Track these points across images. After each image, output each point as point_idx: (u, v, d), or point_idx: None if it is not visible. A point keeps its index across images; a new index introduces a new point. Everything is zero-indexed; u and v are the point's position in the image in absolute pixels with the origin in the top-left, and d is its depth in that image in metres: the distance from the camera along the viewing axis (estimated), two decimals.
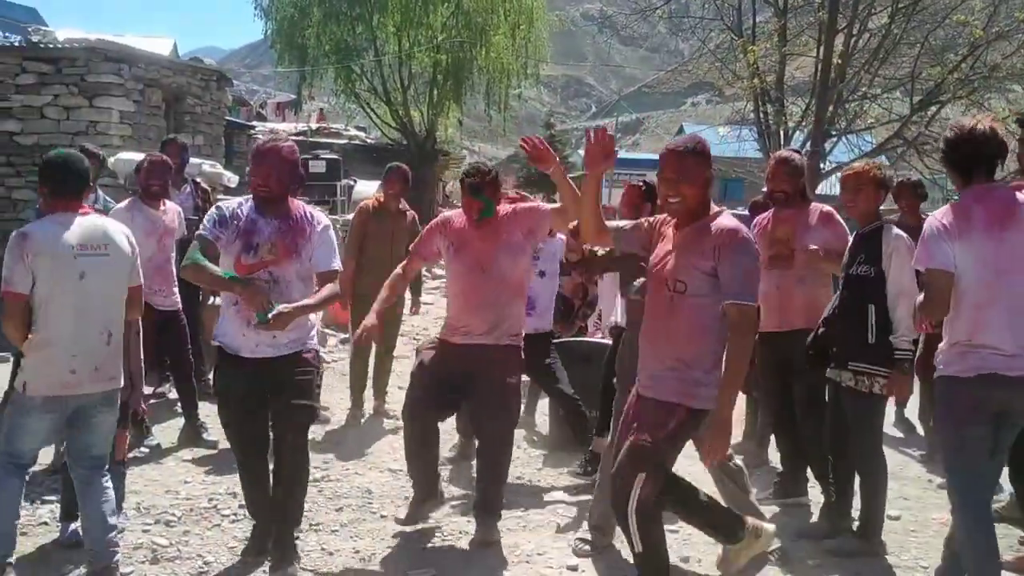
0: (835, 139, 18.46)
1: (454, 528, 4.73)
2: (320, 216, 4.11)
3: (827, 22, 13.83)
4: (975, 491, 3.53)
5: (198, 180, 7.50)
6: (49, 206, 3.83)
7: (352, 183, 19.12)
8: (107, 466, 3.88)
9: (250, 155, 4.05)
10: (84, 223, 3.73)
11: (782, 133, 18.69)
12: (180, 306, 6.13)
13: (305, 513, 4.73)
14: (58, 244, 3.61)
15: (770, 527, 3.98)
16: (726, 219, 3.55)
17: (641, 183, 5.31)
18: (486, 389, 4.46)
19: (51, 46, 11.13)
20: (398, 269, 4.77)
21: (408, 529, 4.67)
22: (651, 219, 3.89)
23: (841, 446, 4.50)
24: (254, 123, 27.37)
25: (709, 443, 3.50)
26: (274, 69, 32.60)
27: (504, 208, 4.60)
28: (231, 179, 9.92)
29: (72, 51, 10.81)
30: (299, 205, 4.09)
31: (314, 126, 29.31)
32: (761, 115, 18.74)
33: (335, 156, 21.00)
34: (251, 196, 4.05)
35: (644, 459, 3.47)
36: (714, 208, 3.60)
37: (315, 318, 4.29)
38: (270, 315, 3.70)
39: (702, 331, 3.48)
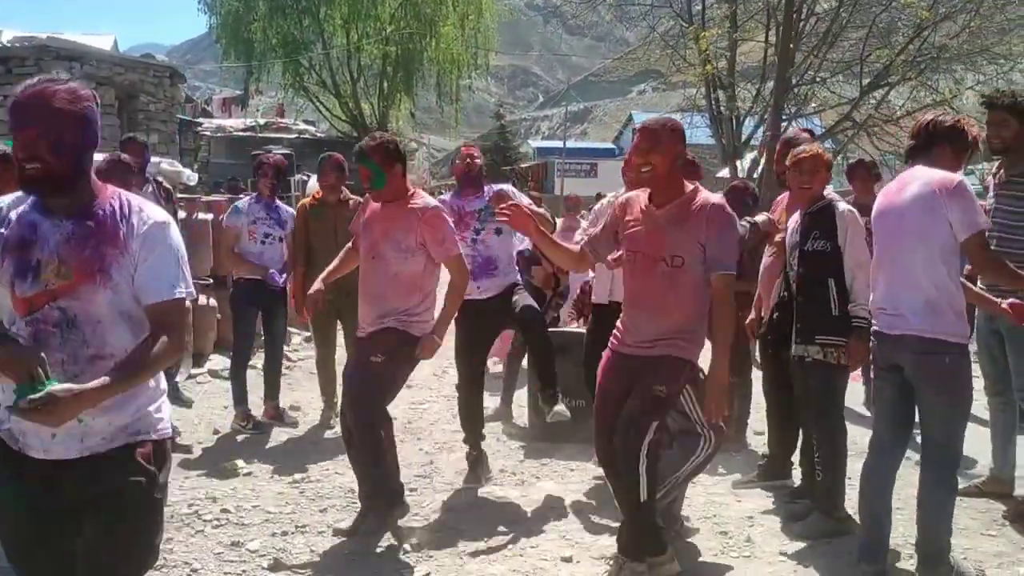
0: (786, 123, 18.66)
1: (443, 523, 4.68)
2: (149, 210, 2.40)
3: (785, 5, 13.95)
4: (878, 434, 4.01)
5: (160, 179, 7.32)
6: None
7: (305, 178, 18.83)
8: None
9: (8, 112, 2.36)
10: None
11: (734, 118, 18.90)
12: None
13: (290, 515, 4.68)
14: None
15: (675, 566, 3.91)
16: (710, 195, 3.80)
17: None
18: (347, 372, 4.55)
19: None
20: (348, 244, 4.72)
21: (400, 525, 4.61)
22: (611, 207, 4.10)
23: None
24: (200, 119, 26.91)
25: (711, 405, 3.73)
26: (219, 64, 32.10)
27: (417, 200, 4.43)
28: (191, 177, 9.71)
29: (22, 50, 10.51)
30: (112, 193, 2.41)
31: (262, 121, 28.90)
32: (713, 101, 18.91)
33: (286, 151, 20.70)
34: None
35: (659, 408, 3.70)
36: (688, 185, 3.79)
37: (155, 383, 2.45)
38: (38, 395, 2.06)
39: (699, 299, 3.75)
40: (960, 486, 4.85)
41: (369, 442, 4.33)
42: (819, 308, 4.30)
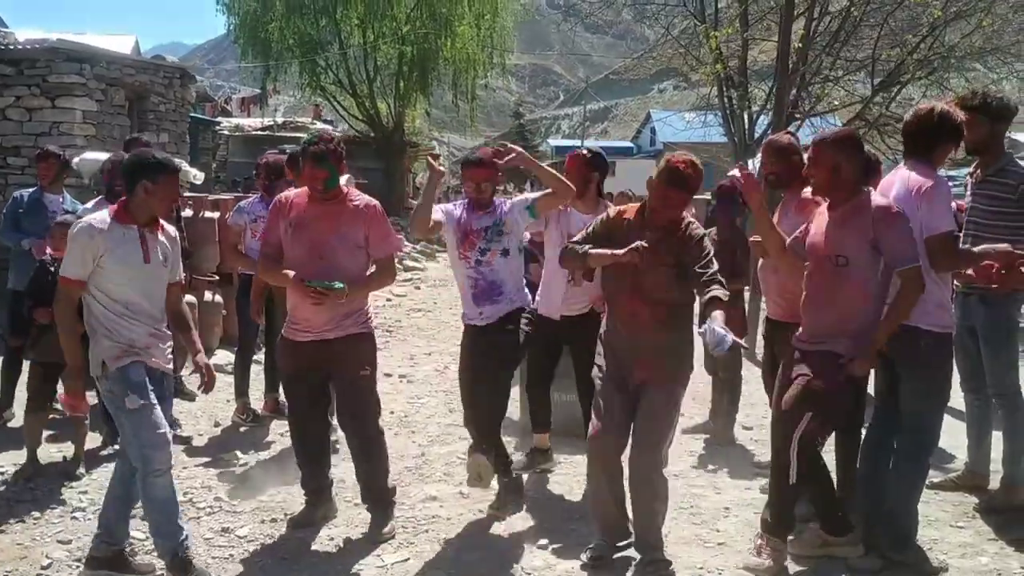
0: (799, 122, 18.61)
1: (427, 513, 4.81)
2: None
3: (785, 5, 13.96)
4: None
5: None
6: None
7: None
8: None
9: None
10: None
11: (746, 117, 18.88)
12: None
13: (280, 503, 4.83)
14: None
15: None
16: (879, 197, 3.92)
17: (586, 151, 5.35)
18: (341, 387, 4.47)
19: (12, 48, 11.03)
20: (263, 257, 4.56)
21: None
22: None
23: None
24: (219, 119, 27.19)
25: (858, 363, 3.83)
26: (238, 64, 32.38)
27: (355, 197, 4.41)
28: (197, 176, 9.88)
29: (33, 52, 10.70)
30: None
31: (280, 120, 29.16)
32: (725, 100, 18.91)
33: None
34: None
35: (815, 400, 3.83)
36: (862, 189, 3.93)
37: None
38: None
39: (863, 298, 3.85)
40: (936, 480, 5.01)
41: (376, 450, 4.53)
42: None
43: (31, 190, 6.88)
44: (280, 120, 29.10)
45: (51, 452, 5.63)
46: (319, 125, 29.05)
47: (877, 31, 16.55)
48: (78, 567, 4.05)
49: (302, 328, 4.36)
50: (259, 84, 29.85)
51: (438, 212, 4.65)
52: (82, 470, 5.29)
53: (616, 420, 4.01)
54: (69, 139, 10.31)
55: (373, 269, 4.49)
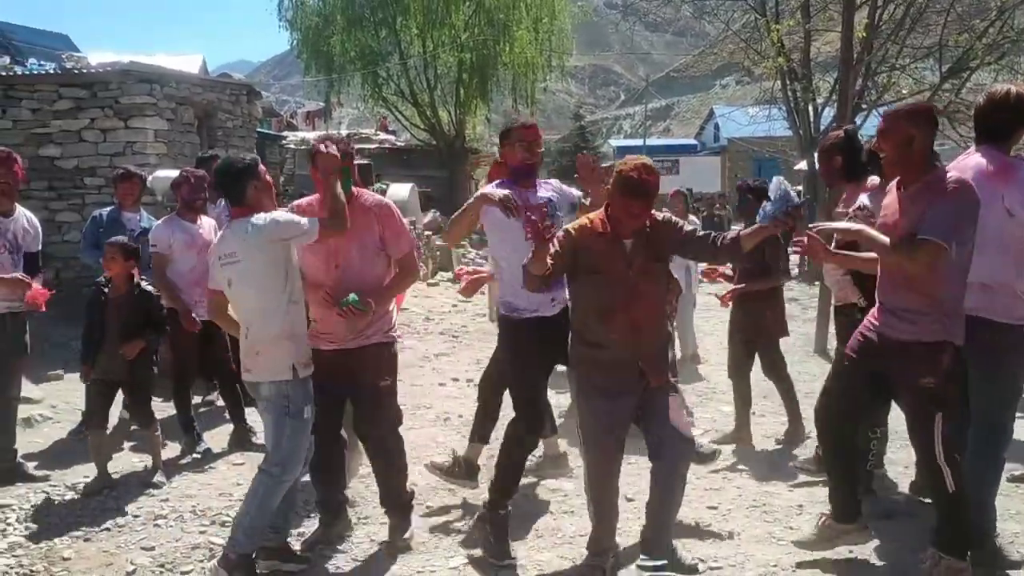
0: (866, 112, 18.27)
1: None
2: None
3: None
4: None
5: None
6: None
7: (384, 187, 19.30)
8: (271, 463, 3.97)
9: None
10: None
11: (811, 110, 18.60)
12: None
13: (354, 508, 4.90)
14: None
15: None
16: (950, 173, 3.73)
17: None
18: (362, 396, 4.35)
19: (85, 71, 11.43)
20: None
21: (451, 516, 4.81)
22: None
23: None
24: (285, 133, 27.72)
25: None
26: (302, 79, 32.98)
27: (366, 198, 4.27)
28: None
29: (105, 75, 11.07)
30: None
31: (344, 132, 29.59)
32: (789, 93, 18.66)
33: (366, 161, 21.22)
34: None
35: (935, 400, 3.66)
36: (935, 167, 3.74)
37: None
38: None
39: (942, 278, 3.61)
40: (1017, 472, 4.88)
41: (395, 459, 4.47)
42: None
43: (109, 209, 7.10)
44: (345, 132, 29.50)
45: (133, 462, 5.82)
46: (383, 136, 29.46)
47: (944, 16, 16.18)
48: (161, 572, 4.19)
49: (327, 339, 4.23)
50: (323, 97, 30.39)
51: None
52: (162, 478, 5.45)
53: (617, 435, 3.94)
54: (142, 158, 10.64)
55: (394, 271, 4.37)
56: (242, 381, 7.04)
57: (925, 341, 3.65)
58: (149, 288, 5.55)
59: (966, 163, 4.07)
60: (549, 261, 3.72)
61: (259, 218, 3.87)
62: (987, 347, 3.84)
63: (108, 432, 5.48)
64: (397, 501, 4.51)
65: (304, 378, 3.95)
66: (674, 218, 4.02)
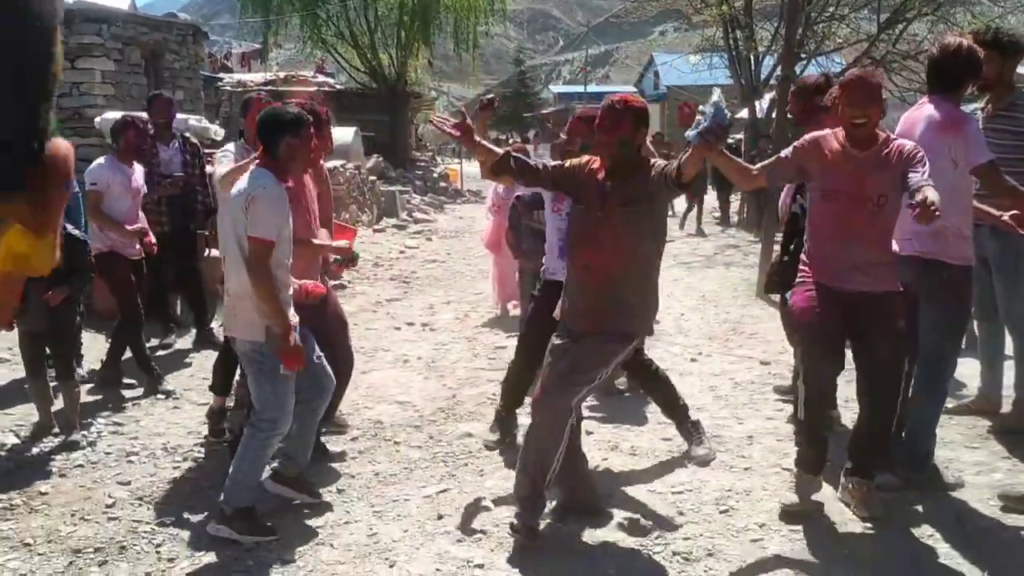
0: (804, 61, 18.55)
1: (464, 449, 5.04)
2: None
3: None
4: None
5: (187, 135, 7.61)
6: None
7: None
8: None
9: None
10: None
11: (752, 58, 18.85)
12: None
13: (326, 443, 5.03)
14: None
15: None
16: (902, 140, 3.91)
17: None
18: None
19: None
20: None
21: (422, 450, 4.99)
22: (801, 146, 4.08)
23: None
24: (220, 75, 27.07)
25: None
26: (238, 19, 32.16)
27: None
28: (217, 132, 10.02)
29: None
30: None
31: (282, 75, 29.03)
32: (731, 41, 18.86)
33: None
34: None
35: (904, 344, 3.92)
36: (880, 133, 3.92)
37: None
38: None
39: (891, 231, 3.94)
40: (950, 406, 5.23)
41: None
42: None
43: None
44: (282, 75, 28.92)
45: (98, 401, 5.86)
46: (320, 78, 28.97)
47: None
48: (140, 504, 4.29)
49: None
50: (258, 38, 29.68)
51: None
52: (77, 437, 5.14)
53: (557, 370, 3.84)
54: (90, 99, 10.45)
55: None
56: (201, 324, 7.30)
57: (889, 290, 3.88)
58: (75, 233, 5.23)
59: (918, 114, 4.30)
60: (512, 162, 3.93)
61: (260, 199, 3.77)
62: (940, 286, 4.11)
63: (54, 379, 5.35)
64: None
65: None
66: (656, 160, 3.85)
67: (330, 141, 4.99)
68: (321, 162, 4.86)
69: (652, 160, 3.87)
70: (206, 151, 7.81)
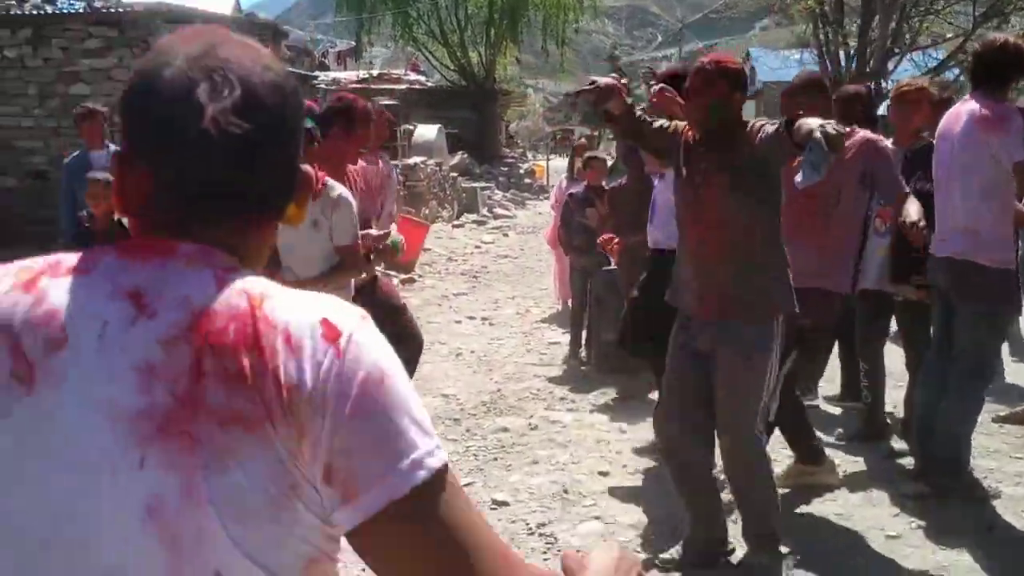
0: (898, 57, 18.03)
1: (497, 443, 5.10)
2: None
3: None
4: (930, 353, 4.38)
5: None
6: None
7: (412, 127, 19.41)
8: None
9: None
10: None
11: (842, 54, 18.38)
12: None
13: None
14: None
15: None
16: (867, 132, 3.91)
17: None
18: None
19: (114, 10, 11.61)
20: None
21: (456, 443, 5.07)
22: None
23: (876, 355, 4.90)
24: (316, 72, 27.74)
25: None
26: (334, 18, 32.93)
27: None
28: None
29: (134, 14, 11.26)
30: None
31: (375, 72, 29.59)
32: (821, 36, 18.44)
33: (393, 102, 21.30)
34: None
35: (801, 339, 3.84)
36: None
37: None
38: None
39: (847, 231, 4.00)
40: (1003, 413, 5.04)
41: None
42: (918, 250, 4.15)
43: (74, 156, 6.65)
44: (375, 73, 29.50)
45: None
46: (412, 76, 29.43)
47: None
48: None
49: None
50: (354, 37, 30.33)
51: None
52: None
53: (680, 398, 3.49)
54: None
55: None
56: None
57: (824, 288, 3.89)
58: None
59: (961, 109, 4.13)
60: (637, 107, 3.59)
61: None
62: (974, 289, 3.96)
63: None
64: None
65: None
66: (765, 126, 3.23)
67: (370, 136, 4.89)
68: (381, 159, 4.87)
69: (751, 123, 3.32)
70: None
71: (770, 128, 3.14)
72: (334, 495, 0.85)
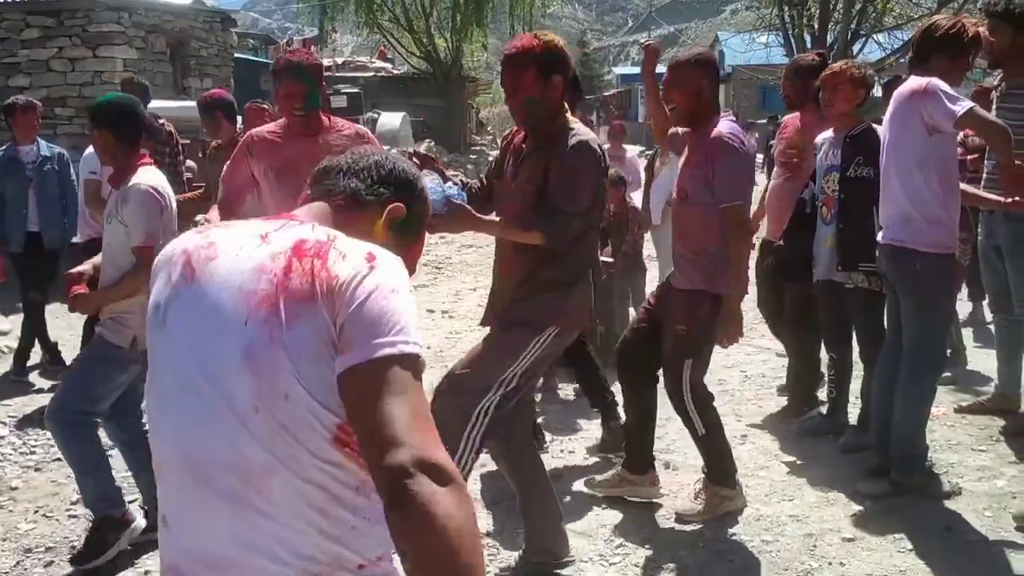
0: (864, 38, 17.96)
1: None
2: None
3: None
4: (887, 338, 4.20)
5: (162, 121, 7.12)
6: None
7: (376, 116, 19.12)
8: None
9: None
10: None
11: (807, 36, 18.28)
12: None
13: None
14: None
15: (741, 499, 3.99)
16: (721, 127, 3.64)
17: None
18: None
19: None
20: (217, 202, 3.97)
21: None
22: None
23: (841, 347, 4.69)
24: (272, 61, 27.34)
25: (724, 332, 3.74)
26: (297, 4, 32.43)
27: (343, 126, 3.84)
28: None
29: (72, 2, 10.89)
30: None
31: (339, 60, 29.20)
32: (785, 19, 18.36)
33: (356, 90, 21.00)
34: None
35: (685, 347, 3.73)
36: (714, 119, 3.69)
37: None
38: None
39: (706, 231, 3.68)
40: (965, 404, 4.91)
41: None
42: (862, 236, 4.20)
43: (3, 149, 6.37)
44: (340, 60, 29.11)
45: None
46: (378, 63, 29.08)
47: None
48: None
49: None
50: (318, 25, 29.88)
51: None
52: None
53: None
54: (112, 87, 10.47)
55: None
56: None
57: (694, 289, 3.74)
58: None
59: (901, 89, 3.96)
60: None
61: None
62: (910, 278, 3.81)
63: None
64: None
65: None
66: (572, 160, 3.09)
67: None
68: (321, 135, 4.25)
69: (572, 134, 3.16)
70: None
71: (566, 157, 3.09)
72: (338, 350, 1.33)
